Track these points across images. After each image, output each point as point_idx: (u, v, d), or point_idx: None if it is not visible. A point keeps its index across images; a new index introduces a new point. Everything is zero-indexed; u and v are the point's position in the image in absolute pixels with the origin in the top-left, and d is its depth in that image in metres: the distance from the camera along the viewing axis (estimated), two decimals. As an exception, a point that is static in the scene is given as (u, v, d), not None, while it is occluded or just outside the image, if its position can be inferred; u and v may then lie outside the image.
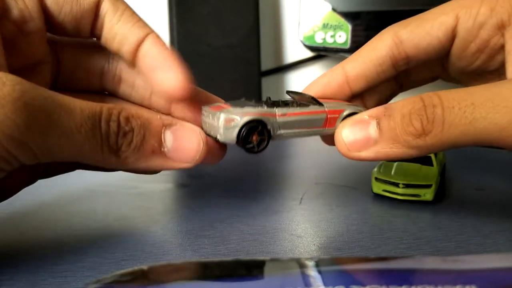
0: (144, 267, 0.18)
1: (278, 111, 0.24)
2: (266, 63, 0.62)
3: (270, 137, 0.24)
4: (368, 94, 0.29)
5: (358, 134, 0.24)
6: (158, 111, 0.28)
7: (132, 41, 0.25)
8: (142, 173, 0.26)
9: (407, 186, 0.31)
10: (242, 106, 0.24)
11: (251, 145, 0.24)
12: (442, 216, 0.28)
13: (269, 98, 0.26)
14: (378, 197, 0.32)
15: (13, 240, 0.21)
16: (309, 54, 0.61)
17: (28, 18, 0.24)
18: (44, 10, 0.24)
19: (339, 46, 0.53)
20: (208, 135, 0.25)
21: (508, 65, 0.25)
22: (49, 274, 0.21)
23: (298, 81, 0.64)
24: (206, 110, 0.26)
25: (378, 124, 0.23)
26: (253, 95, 0.54)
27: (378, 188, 0.32)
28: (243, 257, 0.20)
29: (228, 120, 0.23)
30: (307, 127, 0.25)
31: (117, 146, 0.23)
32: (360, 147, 0.24)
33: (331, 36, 0.53)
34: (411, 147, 0.23)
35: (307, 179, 0.37)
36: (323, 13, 0.53)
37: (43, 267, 0.22)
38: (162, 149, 0.24)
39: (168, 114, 0.28)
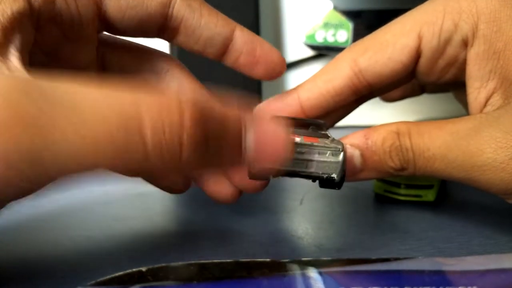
0: (143, 268, 0.18)
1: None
2: (267, 62, 0.62)
3: None
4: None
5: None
6: None
7: (219, 43, 0.24)
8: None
9: (408, 186, 0.30)
10: (313, 134, 0.23)
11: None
12: (444, 217, 0.28)
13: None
14: (380, 197, 0.32)
15: (12, 241, 0.20)
16: (310, 53, 0.61)
17: (78, 25, 0.22)
18: (104, 17, 0.23)
19: (340, 45, 0.53)
20: (292, 173, 0.21)
21: (469, 91, 0.25)
22: (48, 275, 0.21)
23: (298, 81, 0.63)
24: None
25: (362, 155, 0.24)
26: (253, 95, 0.53)
27: (379, 188, 0.32)
28: (243, 258, 0.19)
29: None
30: None
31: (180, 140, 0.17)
32: (347, 177, 0.23)
33: (332, 35, 0.53)
34: (394, 174, 0.24)
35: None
36: (324, 11, 0.53)
37: (42, 268, 0.22)
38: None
39: None
